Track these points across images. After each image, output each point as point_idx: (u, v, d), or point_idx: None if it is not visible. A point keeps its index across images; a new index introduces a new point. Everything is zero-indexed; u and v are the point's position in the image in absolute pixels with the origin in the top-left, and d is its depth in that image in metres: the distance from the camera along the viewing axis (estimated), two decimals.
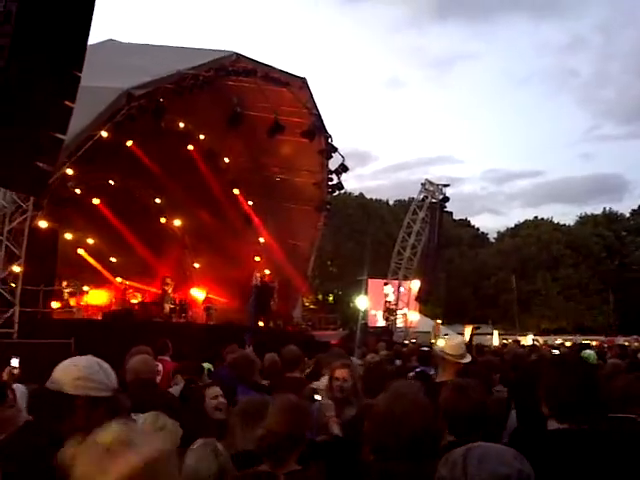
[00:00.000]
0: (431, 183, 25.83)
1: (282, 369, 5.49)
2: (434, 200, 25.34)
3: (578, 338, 32.32)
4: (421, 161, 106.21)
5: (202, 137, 19.51)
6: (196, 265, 23.77)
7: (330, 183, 20.99)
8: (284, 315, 22.80)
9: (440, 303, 46.20)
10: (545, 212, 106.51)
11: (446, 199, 25.48)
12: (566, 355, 10.50)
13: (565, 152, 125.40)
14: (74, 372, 2.34)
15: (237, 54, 15.79)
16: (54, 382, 2.32)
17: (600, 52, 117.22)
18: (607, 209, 61.87)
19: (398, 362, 7.87)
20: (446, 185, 25.90)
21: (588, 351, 11.31)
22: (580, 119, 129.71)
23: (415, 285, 26.51)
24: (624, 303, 49.16)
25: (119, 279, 21.64)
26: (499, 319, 46.37)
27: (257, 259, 22.69)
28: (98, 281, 21.12)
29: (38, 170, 7.33)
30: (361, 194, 59.26)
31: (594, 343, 23.50)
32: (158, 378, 5.94)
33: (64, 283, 18.15)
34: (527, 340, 28.75)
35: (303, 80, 17.96)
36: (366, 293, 26.46)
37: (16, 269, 12.25)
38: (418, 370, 6.04)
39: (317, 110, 18.71)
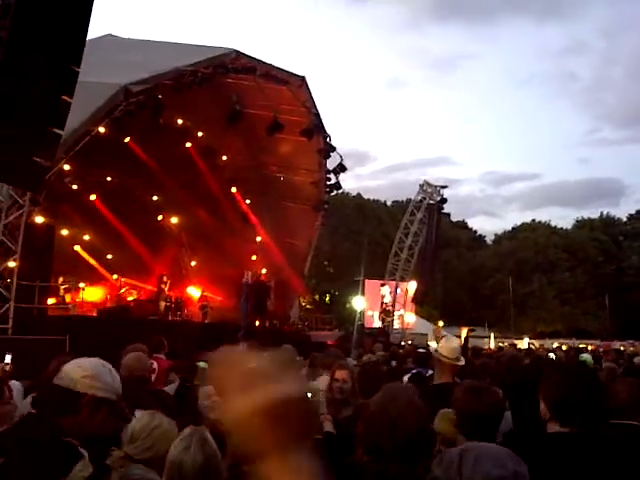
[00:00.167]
0: (429, 184, 25.82)
1: None
2: (432, 201, 25.32)
3: (574, 342, 32.37)
4: (419, 162, 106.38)
5: (200, 134, 19.47)
6: (192, 263, 23.74)
7: (328, 183, 20.96)
8: (281, 315, 22.76)
9: (437, 305, 46.29)
10: (542, 215, 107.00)
11: (444, 200, 25.48)
12: (569, 359, 10.50)
13: (563, 155, 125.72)
14: (83, 370, 2.36)
15: (237, 51, 15.75)
16: (62, 378, 2.33)
17: (600, 56, 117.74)
18: (604, 213, 62.16)
19: (394, 363, 7.84)
20: (444, 187, 25.90)
21: (585, 355, 11.29)
22: (579, 122, 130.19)
23: (412, 286, 26.48)
24: (620, 308, 49.26)
25: (115, 276, 21.58)
26: (495, 321, 46.45)
27: (254, 258, 22.66)
28: (94, 278, 21.05)
29: (35, 165, 7.30)
30: (359, 194, 59.36)
31: (590, 347, 23.52)
32: (153, 376, 5.90)
33: (60, 279, 18.09)
34: (523, 343, 28.75)
35: (303, 79, 17.92)
36: (363, 294, 26.46)
37: (11, 264, 12.19)
38: (414, 372, 6.01)
39: (316, 109, 18.68)
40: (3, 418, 3.10)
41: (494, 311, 50.62)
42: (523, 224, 64.01)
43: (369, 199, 59.95)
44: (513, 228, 64.58)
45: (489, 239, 67.12)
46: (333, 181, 20.81)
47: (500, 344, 26.59)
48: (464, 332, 15.88)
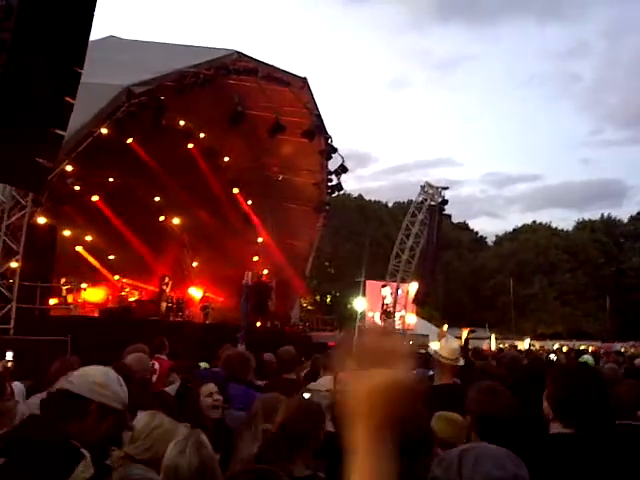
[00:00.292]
0: (430, 185, 25.82)
1: (279, 370, 5.48)
2: (433, 203, 25.32)
3: (575, 343, 32.37)
4: (421, 163, 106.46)
5: (202, 135, 19.49)
6: (194, 264, 23.75)
7: (329, 184, 20.98)
8: (282, 315, 22.78)
9: (438, 306, 46.25)
10: (544, 217, 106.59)
11: (445, 202, 25.48)
12: (569, 360, 10.49)
13: (565, 156, 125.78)
14: (94, 377, 2.40)
15: (238, 53, 15.78)
16: (72, 382, 2.35)
17: (602, 57, 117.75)
18: (605, 215, 62.09)
19: None
20: (445, 188, 25.90)
21: (586, 356, 11.30)
22: (581, 123, 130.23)
23: (413, 287, 26.46)
24: (621, 309, 49.23)
25: (117, 277, 21.61)
26: (496, 322, 46.42)
27: (255, 259, 22.68)
28: (96, 278, 21.08)
29: (38, 166, 7.31)
30: (360, 195, 59.42)
31: (591, 349, 23.52)
32: (155, 377, 5.92)
33: (62, 280, 18.12)
34: (524, 345, 28.76)
35: (304, 80, 17.94)
36: (364, 295, 26.45)
37: (14, 265, 12.22)
38: (415, 372, 6.01)
39: (318, 110, 18.70)
40: (4, 415, 3.12)
41: (495, 312, 50.60)
42: (524, 225, 64.07)
43: (370, 200, 60.01)
44: (514, 229, 64.65)
45: (490, 240, 67.17)
46: (334, 182, 20.84)
47: (501, 345, 26.61)
48: (465, 333, 15.87)
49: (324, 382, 4.35)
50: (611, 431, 2.63)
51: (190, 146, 19.34)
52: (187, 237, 23.37)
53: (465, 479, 1.49)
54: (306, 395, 3.86)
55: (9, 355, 5.09)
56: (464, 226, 65.99)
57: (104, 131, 13.23)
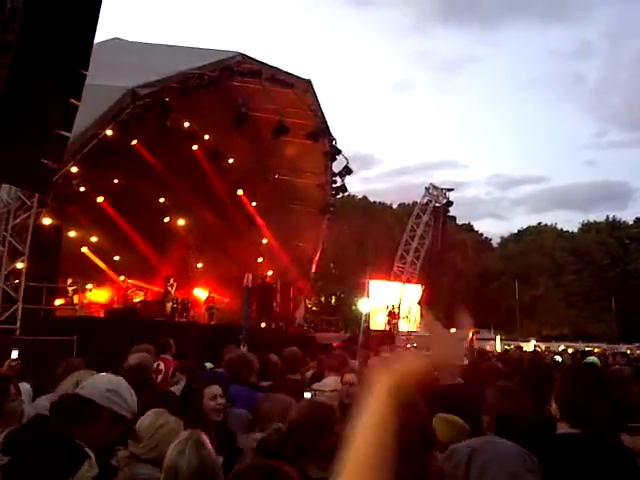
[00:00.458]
0: (435, 187, 25.84)
1: (283, 371, 5.48)
2: (438, 204, 25.34)
3: (581, 345, 32.27)
4: (425, 165, 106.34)
5: (207, 137, 19.53)
6: (199, 265, 23.78)
7: (334, 185, 20.99)
8: (286, 317, 22.78)
9: (442, 307, 46.10)
10: (549, 218, 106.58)
11: (450, 203, 25.50)
12: (575, 362, 10.46)
13: (570, 158, 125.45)
14: (106, 384, 2.43)
15: (242, 55, 15.81)
16: (84, 388, 2.38)
17: (606, 59, 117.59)
18: (610, 217, 61.86)
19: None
20: (450, 189, 25.94)
21: (592, 358, 11.27)
22: (585, 125, 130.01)
23: (418, 289, 26.46)
24: (626, 311, 49.05)
25: (122, 277, 21.65)
26: (501, 324, 46.28)
27: (260, 260, 22.70)
28: (101, 279, 21.13)
29: (43, 167, 7.34)
30: (365, 197, 59.31)
31: (597, 350, 23.44)
32: (160, 377, 5.94)
33: (69, 281, 18.18)
34: (529, 346, 28.69)
35: (308, 82, 17.96)
36: (368, 296, 26.43)
37: (19, 265, 12.26)
38: None
39: (322, 112, 18.71)
40: (10, 415, 3.14)
41: (500, 314, 50.45)
42: (529, 227, 63.90)
43: (375, 202, 59.92)
44: (519, 231, 64.49)
45: (495, 242, 67.01)
46: (339, 184, 20.85)
47: (506, 347, 26.55)
48: (469, 334, 15.86)
49: (329, 382, 4.36)
50: (618, 432, 2.62)
51: (195, 148, 19.38)
52: (192, 238, 23.40)
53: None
54: (308, 395, 3.86)
55: (14, 354, 5.09)
56: (469, 228, 65.79)
57: (109, 133, 13.28)
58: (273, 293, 21.53)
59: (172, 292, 20.37)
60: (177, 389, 4.88)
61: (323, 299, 48.49)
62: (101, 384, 2.40)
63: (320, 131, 18.60)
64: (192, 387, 4.43)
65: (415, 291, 26.52)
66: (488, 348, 21.85)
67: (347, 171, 20.28)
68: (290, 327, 22.38)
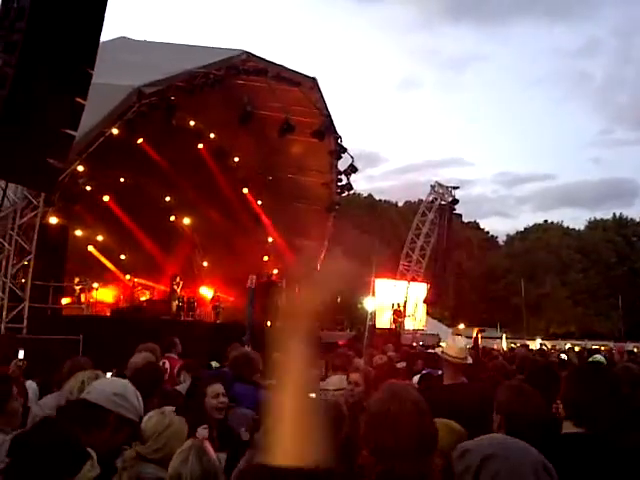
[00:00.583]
0: (441, 185, 25.78)
1: None
2: (443, 202, 25.28)
3: (587, 343, 32.15)
4: (431, 163, 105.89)
5: (212, 136, 19.56)
6: (205, 263, 23.83)
7: (339, 184, 20.98)
8: None
9: (448, 306, 46.06)
10: (555, 216, 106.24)
11: (455, 201, 25.43)
12: (581, 360, 10.41)
13: (576, 156, 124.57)
14: (113, 388, 2.46)
15: (248, 53, 15.81)
16: (90, 393, 2.38)
17: (613, 56, 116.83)
18: (617, 214, 61.56)
19: (403, 364, 7.84)
20: (456, 187, 25.87)
21: (598, 356, 11.21)
22: (592, 123, 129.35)
23: (423, 287, 26.43)
24: (633, 309, 48.87)
25: (128, 276, 21.72)
26: (507, 322, 46.19)
27: (265, 258, 22.72)
28: (107, 278, 21.20)
29: (49, 166, 7.37)
30: (370, 195, 59.28)
31: (603, 348, 23.35)
32: (165, 376, 5.95)
33: (76, 279, 18.25)
34: (535, 344, 28.60)
35: (314, 80, 17.94)
36: (374, 294, 26.41)
37: (26, 265, 12.31)
38: (424, 372, 6.02)
39: (327, 110, 18.69)
40: (11, 415, 3.14)
41: (507, 312, 50.33)
42: (535, 225, 63.67)
43: (380, 200, 59.88)
44: (525, 229, 64.20)
45: (501, 240, 66.81)
46: (344, 182, 20.84)
47: (512, 345, 26.48)
48: (474, 333, 15.84)
49: (333, 381, 4.35)
50: (625, 431, 2.60)
51: (200, 146, 19.42)
52: (198, 237, 23.45)
53: None
54: (312, 394, 3.85)
55: (21, 354, 5.13)
56: (475, 225, 65.61)
57: (115, 131, 13.32)
58: (279, 292, 21.52)
59: (178, 291, 20.44)
60: (182, 388, 4.90)
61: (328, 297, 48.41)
62: (108, 388, 2.41)
63: (326, 129, 18.58)
64: (197, 385, 4.45)
65: (421, 289, 26.48)
66: (495, 347, 21.76)
67: (352, 169, 20.27)
68: None
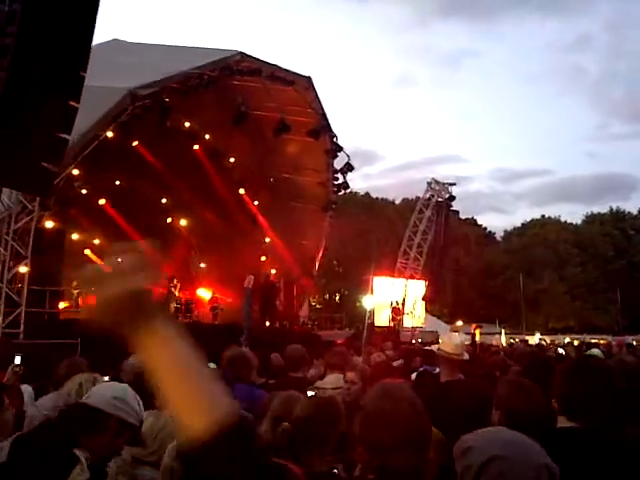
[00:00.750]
0: (437, 182, 25.79)
1: (285, 368, 5.47)
2: (440, 199, 25.29)
3: (586, 337, 32.20)
4: (428, 160, 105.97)
5: (207, 137, 19.52)
6: (202, 265, 23.80)
7: (336, 182, 20.98)
8: (290, 315, 22.78)
9: (447, 302, 46.13)
10: (552, 211, 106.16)
11: (452, 198, 25.45)
12: (579, 354, 10.42)
13: (572, 151, 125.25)
14: (113, 392, 2.44)
15: (242, 53, 15.78)
16: (90, 397, 2.38)
17: (608, 51, 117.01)
18: (614, 208, 61.62)
19: (401, 361, 7.84)
20: (452, 184, 25.87)
21: (595, 350, 11.23)
22: (588, 118, 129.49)
23: (421, 284, 26.44)
24: (631, 302, 48.94)
25: None
26: (506, 318, 46.25)
27: (263, 259, 22.70)
28: None
29: (43, 170, 7.35)
30: (367, 193, 59.30)
31: (602, 342, 23.38)
32: None
33: (74, 283, 18.18)
34: (534, 339, 28.64)
35: (308, 79, 17.92)
36: (372, 292, 26.42)
37: (22, 269, 12.27)
38: (422, 369, 6.02)
39: (322, 109, 18.68)
40: (2, 426, 3.11)
41: (505, 308, 50.40)
42: (532, 220, 63.70)
43: (377, 198, 59.89)
44: (523, 224, 64.25)
45: (499, 236, 66.87)
46: (341, 181, 20.84)
47: (511, 340, 26.52)
48: (472, 329, 15.86)
49: (330, 380, 4.35)
50: (619, 425, 2.59)
51: (195, 147, 19.38)
52: (194, 238, 23.42)
53: None
54: (310, 393, 3.86)
55: (17, 360, 5.09)
56: (472, 222, 65.63)
57: (109, 134, 13.27)
58: (276, 292, 21.52)
59: (175, 292, 20.40)
60: None
61: (327, 296, 48.53)
62: (108, 392, 2.41)
63: (321, 128, 18.58)
64: None
65: (419, 287, 26.48)
66: (494, 342, 21.78)
67: (349, 168, 20.26)
68: (294, 325, 22.38)
